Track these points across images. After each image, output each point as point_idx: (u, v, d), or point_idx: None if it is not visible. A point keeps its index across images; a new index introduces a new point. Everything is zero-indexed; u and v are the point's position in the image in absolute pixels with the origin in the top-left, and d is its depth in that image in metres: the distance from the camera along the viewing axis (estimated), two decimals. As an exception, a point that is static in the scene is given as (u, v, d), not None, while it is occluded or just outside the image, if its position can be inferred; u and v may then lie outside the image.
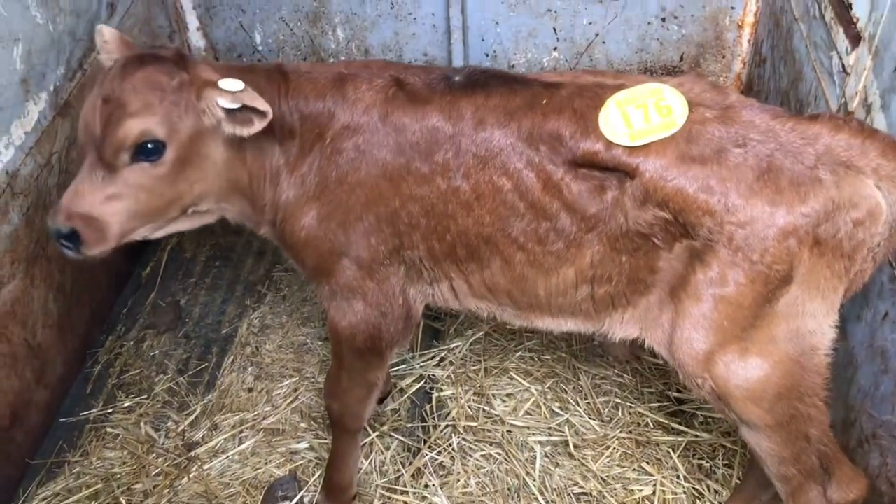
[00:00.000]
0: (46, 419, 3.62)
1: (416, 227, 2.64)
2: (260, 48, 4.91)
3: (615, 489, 3.31)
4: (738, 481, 3.23)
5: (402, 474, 3.39)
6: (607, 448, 3.44)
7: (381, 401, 3.61)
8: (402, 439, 3.54)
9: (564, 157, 2.44)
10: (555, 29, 4.66)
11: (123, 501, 3.29)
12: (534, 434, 3.52)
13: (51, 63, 3.55)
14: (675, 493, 3.27)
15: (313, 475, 3.41)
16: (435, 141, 2.54)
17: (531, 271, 2.62)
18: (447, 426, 3.57)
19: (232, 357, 3.95)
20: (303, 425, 3.62)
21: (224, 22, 4.84)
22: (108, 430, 3.62)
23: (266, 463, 3.47)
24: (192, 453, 3.51)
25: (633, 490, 3.30)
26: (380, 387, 3.07)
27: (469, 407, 3.64)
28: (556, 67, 4.78)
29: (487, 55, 4.76)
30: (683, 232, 2.35)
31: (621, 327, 2.67)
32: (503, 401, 3.67)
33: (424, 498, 3.30)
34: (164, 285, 4.34)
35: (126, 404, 3.74)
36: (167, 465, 3.46)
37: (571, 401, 3.65)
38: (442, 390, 3.73)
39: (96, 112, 2.44)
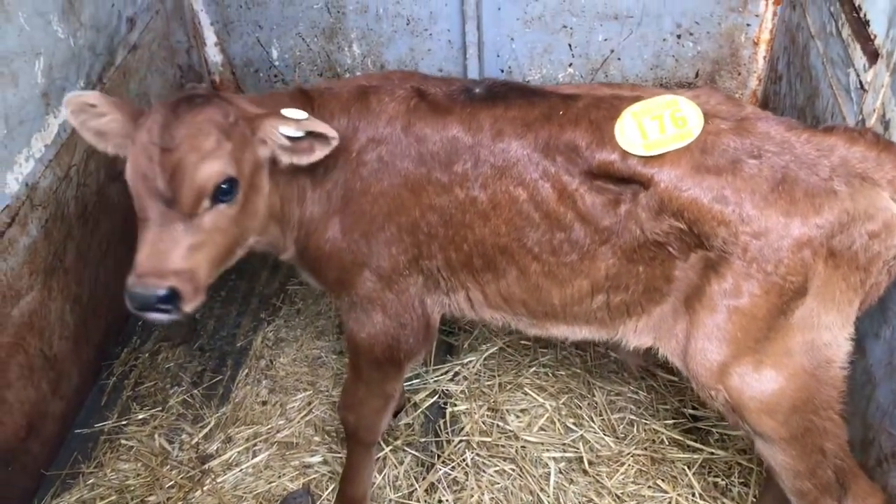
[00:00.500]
0: (62, 430, 3.63)
1: (434, 237, 2.65)
2: (277, 63, 4.95)
3: (630, 506, 3.29)
4: (754, 500, 3.20)
5: (416, 489, 3.38)
6: (622, 465, 3.42)
7: (395, 415, 3.60)
8: (416, 454, 3.53)
9: (580, 167, 2.45)
10: (570, 45, 4.67)
11: (137, 514, 3.30)
12: (548, 450, 3.50)
13: (71, 77, 3.58)
14: (691, 511, 3.25)
15: (326, 489, 3.41)
16: (455, 151, 2.56)
17: (546, 281, 2.62)
18: (461, 441, 3.56)
19: (246, 370, 3.96)
20: (316, 439, 3.61)
21: (241, 37, 4.88)
22: (123, 441, 3.63)
23: (280, 476, 3.46)
24: (206, 466, 3.51)
25: (648, 507, 3.28)
26: (396, 399, 3.07)
27: (483, 422, 3.63)
28: (571, 83, 4.79)
29: (502, 71, 4.78)
30: (698, 242, 2.35)
31: (635, 336, 2.67)
32: (517, 416, 3.66)
33: (438, 513, 3.29)
34: (179, 298, 4.35)
35: (140, 416, 3.75)
36: (181, 478, 3.47)
37: (586, 417, 3.63)
38: (456, 405, 3.72)
39: (155, 164, 2.32)
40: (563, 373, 3.82)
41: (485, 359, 3.91)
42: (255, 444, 3.60)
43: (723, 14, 4.49)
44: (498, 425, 3.61)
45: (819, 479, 2.49)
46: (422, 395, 3.77)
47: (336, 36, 4.78)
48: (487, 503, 3.33)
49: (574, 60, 4.73)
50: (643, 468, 3.41)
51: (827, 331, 2.34)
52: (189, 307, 2.39)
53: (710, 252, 2.33)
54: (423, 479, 3.42)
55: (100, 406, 3.81)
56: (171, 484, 3.44)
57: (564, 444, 3.52)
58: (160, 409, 3.78)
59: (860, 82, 3.03)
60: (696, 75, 4.72)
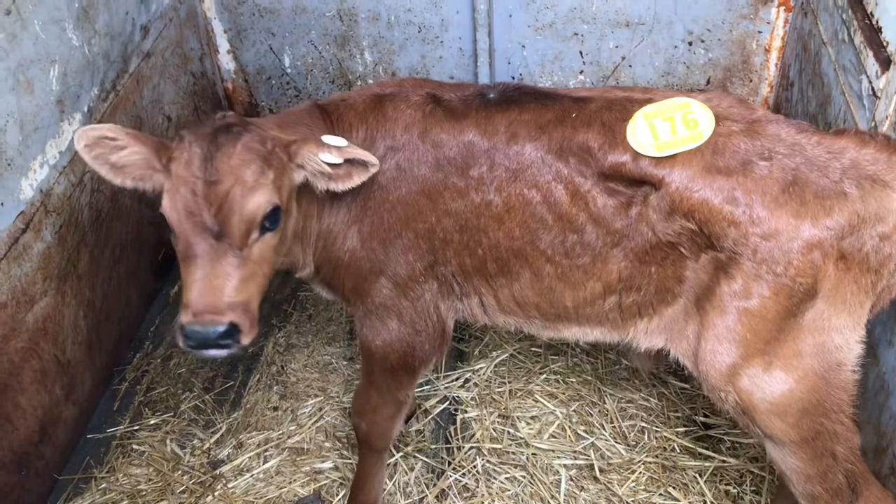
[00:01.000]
0: (74, 435, 3.65)
1: (449, 243, 2.66)
2: (289, 71, 4.98)
3: (641, 514, 3.28)
4: (767, 508, 3.19)
5: (427, 495, 3.38)
6: (633, 472, 3.41)
7: (405, 420, 3.60)
8: (427, 460, 3.53)
9: (593, 169, 2.47)
10: (581, 52, 4.68)
11: (149, 518, 3.31)
12: (559, 457, 3.50)
13: (85, 84, 3.62)
14: (702, 519, 3.24)
15: (337, 495, 3.41)
16: (471, 155, 2.57)
17: (559, 284, 2.63)
18: (471, 448, 3.55)
19: (257, 376, 3.97)
20: (327, 445, 3.62)
21: (254, 45, 4.91)
22: (135, 446, 3.65)
23: (290, 482, 3.47)
24: (217, 471, 3.52)
25: (659, 515, 3.27)
26: (408, 405, 3.07)
27: (493, 429, 3.63)
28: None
29: (514, 78, 4.79)
30: (709, 243, 2.36)
31: (646, 337, 2.67)
32: (528, 423, 3.65)
33: (448, 520, 3.29)
34: (191, 304, 4.36)
35: (152, 421, 3.76)
36: (192, 483, 3.48)
37: (597, 424, 3.62)
38: (466, 412, 3.72)
39: (201, 198, 2.27)
40: (573, 380, 3.82)
41: (495, 365, 3.91)
42: (266, 450, 3.61)
43: (734, 21, 4.49)
44: (508, 432, 3.61)
45: (830, 484, 2.48)
46: (432, 401, 3.77)
47: (348, 43, 4.81)
48: (498, 510, 3.33)
49: (585, 67, 4.73)
50: (654, 476, 3.40)
51: (838, 333, 2.33)
52: (247, 341, 2.34)
53: (721, 253, 2.34)
54: (434, 485, 3.42)
55: (112, 411, 3.83)
56: (182, 489, 3.46)
57: (575, 452, 3.52)
58: (172, 414, 3.80)
59: (872, 89, 3.02)
60: (708, 82, 4.72)
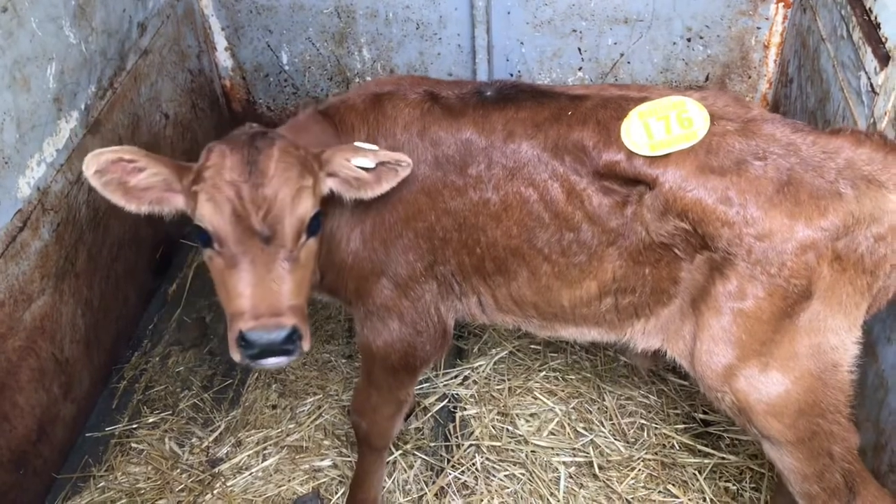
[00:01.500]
0: (72, 434, 3.64)
1: (448, 242, 2.65)
2: (287, 68, 4.97)
3: (640, 511, 3.27)
4: (766, 505, 3.19)
5: (426, 493, 3.38)
6: (632, 469, 3.41)
7: (405, 418, 3.60)
8: (426, 458, 3.53)
9: (588, 167, 2.46)
10: (579, 49, 4.67)
11: (147, 517, 3.30)
12: (558, 454, 3.50)
13: (82, 82, 3.60)
14: (702, 516, 3.24)
15: (336, 493, 3.41)
16: (469, 153, 2.57)
17: (556, 283, 2.63)
18: (471, 445, 3.55)
19: (256, 374, 3.96)
20: (326, 443, 3.62)
21: (251, 42, 4.90)
22: (133, 445, 3.64)
23: (289, 480, 3.47)
24: (216, 469, 3.52)
25: (658, 512, 3.27)
26: (408, 404, 3.07)
27: (493, 426, 3.63)
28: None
29: (512, 75, 4.78)
30: (703, 243, 2.35)
31: (643, 337, 2.67)
32: (527, 420, 3.65)
33: (448, 517, 3.29)
34: (189, 302, 4.37)
35: (151, 420, 3.76)
36: (191, 481, 3.47)
37: (596, 421, 3.62)
38: (465, 409, 3.71)
39: (247, 202, 2.22)
40: (573, 377, 3.82)
41: (494, 363, 3.91)
42: (265, 448, 3.61)
43: (733, 17, 4.48)
44: (508, 429, 3.61)
45: (827, 483, 2.48)
46: (432, 398, 3.77)
47: (346, 40, 4.80)
48: (497, 508, 3.32)
49: (584, 64, 4.73)
50: (654, 473, 3.40)
51: (833, 334, 2.32)
52: (307, 346, 2.29)
53: (715, 253, 2.33)
54: (433, 483, 3.42)
55: (110, 409, 3.82)
56: (181, 487, 3.45)
57: (574, 449, 3.51)
58: (170, 412, 3.79)
59: (871, 85, 3.02)
60: (707, 79, 4.71)
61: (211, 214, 2.25)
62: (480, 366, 3.89)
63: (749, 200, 2.26)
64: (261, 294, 2.22)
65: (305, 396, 3.83)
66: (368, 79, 4.89)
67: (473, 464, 3.48)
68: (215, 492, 3.42)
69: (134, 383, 3.95)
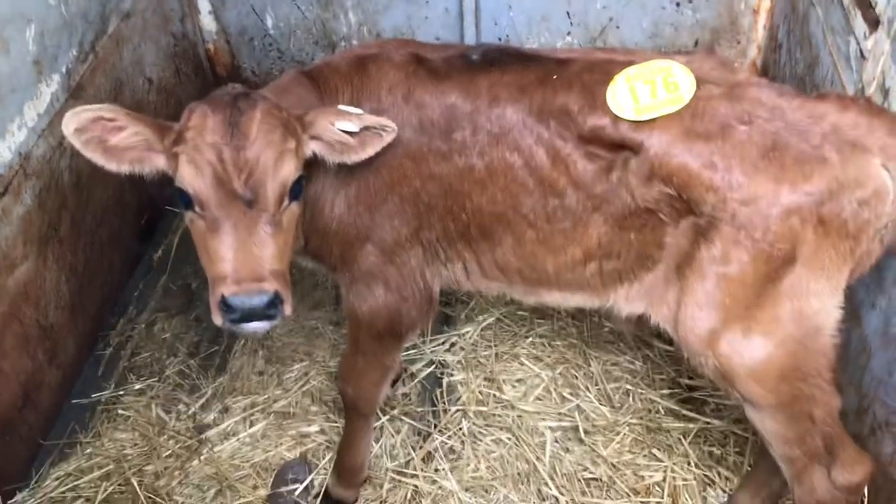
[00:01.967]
0: (58, 400, 3.63)
1: (433, 208, 2.64)
2: (271, 32, 4.90)
3: (625, 475, 3.30)
4: (749, 468, 3.22)
5: (413, 458, 3.40)
6: (618, 434, 3.43)
7: (392, 384, 3.61)
8: (413, 423, 3.55)
9: (573, 132, 2.44)
10: (568, 13, 4.63)
11: (135, 482, 3.30)
12: (544, 419, 3.52)
13: (63, 45, 3.54)
14: (686, 480, 3.27)
15: (323, 458, 3.42)
16: (454, 118, 2.54)
17: (541, 249, 2.62)
18: (458, 411, 3.57)
19: (242, 340, 3.95)
20: (313, 409, 3.62)
21: (236, 5, 4.83)
22: (120, 411, 3.64)
23: (277, 446, 3.48)
24: (203, 435, 3.52)
25: (643, 476, 3.29)
26: (394, 370, 3.07)
27: (479, 392, 3.64)
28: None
29: (500, 39, 4.74)
30: (688, 208, 2.35)
31: (627, 302, 2.67)
32: (514, 386, 3.67)
33: (434, 482, 3.31)
34: (175, 268, 4.35)
35: (137, 387, 3.75)
36: (178, 447, 3.48)
37: (582, 387, 3.64)
38: (452, 375, 3.73)
39: (230, 165, 2.19)
40: (559, 343, 3.83)
41: (482, 329, 3.91)
42: (252, 414, 3.61)
43: (723, -19, 4.44)
44: (494, 395, 3.62)
45: (808, 447, 2.50)
46: (419, 365, 3.78)
47: (332, 4, 4.73)
48: (484, 472, 3.34)
49: (572, 28, 4.69)
50: (639, 437, 3.43)
51: (816, 299, 2.33)
52: (289, 310, 2.27)
53: (700, 219, 2.33)
54: (420, 448, 3.44)
55: (96, 376, 3.81)
56: (168, 453, 3.46)
57: (560, 414, 3.54)
58: (157, 379, 3.79)
59: (860, 50, 3.00)
60: (696, 44, 4.68)
61: (192, 177, 2.22)
62: (467, 332, 3.90)
63: (734, 165, 2.25)
64: (243, 258, 2.20)
65: (292, 363, 3.83)
66: (355, 43, 4.83)
67: (460, 429, 3.49)
68: (202, 457, 3.43)
69: (120, 350, 3.94)
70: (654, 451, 3.37)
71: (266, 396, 3.68)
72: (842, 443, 2.53)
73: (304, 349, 3.90)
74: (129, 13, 4.12)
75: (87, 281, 3.82)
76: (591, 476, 3.32)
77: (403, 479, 3.33)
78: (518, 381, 3.69)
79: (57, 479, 3.35)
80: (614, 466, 3.33)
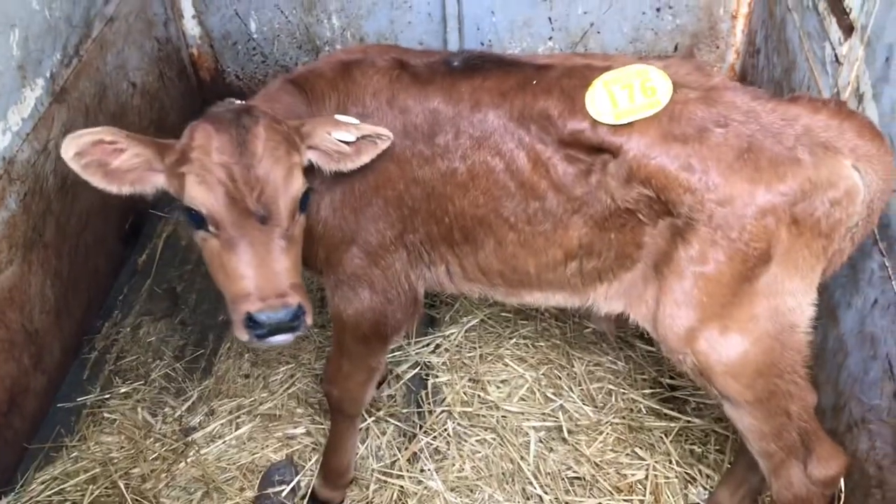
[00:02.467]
0: (44, 404, 3.63)
1: (417, 211, 2.67)
2: (255, 36, 4.92)
3: (608, 473, 3.34)
4: (730, 466, 3.26)
5: (398, 459, 3.43)
6: (601, 433, 3.48)
7: (377, 386, 3.63)
8: (399, 424, 3.57)
9: (553, 136, 2.48)
10: (550, 18, 4.68)
11: (121, 485, 3.30)
12: (528, 419, 3.55)
13: (47, 49, 3.55)
14: (668, 478, 3.31)
15: (310, 460, 3.44)
16: (437, 123, 2.57)
17: (522, 251, 2.66)
18: (443, 412, 3.60)
19: (228, 343, 3.97)
20: (299, 411, 3.64)
21: (219, 10, 4.84)
22: (106, 415, 3.64)
23: (263, 448, 3.49)
24: (189, 438, 3.53)
25: (625, 474, 3.34)
26: (380, 372, 3.09)
27: (464, 393, 3.68)
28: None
29: (483, 44, 4.78)
30: (666, 209, 2.39)
31: (606, 301, 2.71)
32: (498, 387, 3.70)
33: (420, 482, 3.33)
34: (160, 272, 4.35)
35: (123, 390, 3.75)
36: (164, 450, 3.49)
37: (565, 387, 3.68)
38: (437, 376, 3.76)
39: (240, 183, 2.21)
40: (542, 344, 3.87)
41: (466, 331, 3.95)
42: (238, 417, 3.62)
43: (702, -13, 4.51)
44: (479, 396, 3.66)
45: (784, 442, 2.56)
46: (404, 366, 3.81)
47: (315, 8, 4.76)
48: (469, 472, 3.38)
49: (554, 34, 4.73)
50: (621, 436, 3.47)
51: (791, 296, 2.39)
52: (311, 320, 2.31)
53: (677, 219, 2.38)
54: (406, 448, 3.47)
55: (82, 380, 3.81)
56: (154, 456, 3.46)
57: (544, 414, 3.58)
58: (142, 382, 3.79)
59: (835, 55, 3.07)
60: (675, 49, 4.75)
61: (204, 197, 2.24)
62: (452, 334, 3.93)
63: (710, 167, 2.30)
64: (263, 275, 2.24)
65: (278, 366, 3.85)
66: (338, 47, 4.85)
67: (445, 429, 3.53)
68: (189, 460, 3.44)
69: (105, 354, 3.94)
70: (637, 449, 3.42)
71: (252, 399, 3.69)
72: (817, 437, 2.59)
73: (289, 352, 3.91)
74: (112, 17, 4.13)
75: (72, 285, 3.82)
76: (574, 475, 3.36)
77: (389, 479, 3.36)
78: (502, 381, 3.73)
79: (43, 482, 3.35)
80: (597, 465, 3.37)
